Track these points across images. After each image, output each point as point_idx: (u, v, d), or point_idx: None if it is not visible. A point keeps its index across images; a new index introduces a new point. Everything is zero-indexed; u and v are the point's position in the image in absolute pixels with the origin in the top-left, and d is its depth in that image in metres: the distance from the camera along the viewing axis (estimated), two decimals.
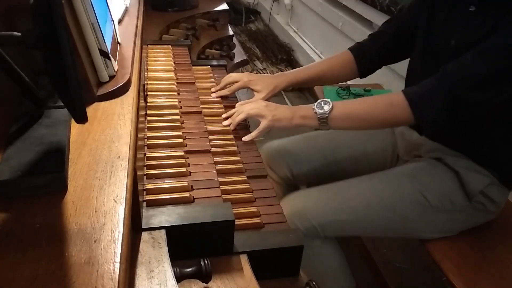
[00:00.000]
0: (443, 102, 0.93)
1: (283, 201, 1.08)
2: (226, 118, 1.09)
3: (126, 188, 0.56)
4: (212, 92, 1.21)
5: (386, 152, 1.26)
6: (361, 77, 1.30)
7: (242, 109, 1.07)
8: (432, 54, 1.09)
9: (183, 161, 0.90)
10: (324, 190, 1.10)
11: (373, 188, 1.08)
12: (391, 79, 1.95)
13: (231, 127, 1.06)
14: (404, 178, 1.09)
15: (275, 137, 1.33)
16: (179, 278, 0.63)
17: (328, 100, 1.02)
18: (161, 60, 1.32)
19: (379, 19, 2.07)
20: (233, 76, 1.22)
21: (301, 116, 1.03)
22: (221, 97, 1.21)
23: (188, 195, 0.80)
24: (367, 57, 1.25)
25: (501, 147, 1.05)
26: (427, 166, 1.11)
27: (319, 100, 1.03)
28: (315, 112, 1.01)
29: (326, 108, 1.01)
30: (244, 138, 1.05)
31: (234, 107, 1.17)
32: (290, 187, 1.28)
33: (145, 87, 1.09)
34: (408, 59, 1.22)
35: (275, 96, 1.22)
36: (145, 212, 0.71)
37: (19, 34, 0.53)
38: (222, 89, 1.22)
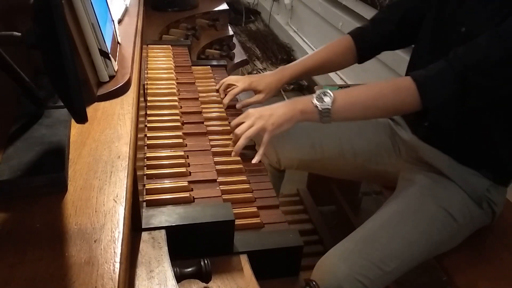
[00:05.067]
0: (453, 84, 0.89)
1: (318, 268, 0.96)
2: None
3: (126, 188, 0.56)
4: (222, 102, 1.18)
5: (375, 148, 1.21)
6: (359, 63, 1.24)
7: (240, 132, 0.97)
8: (441, 42, 1.03)
9: (183, 161, 0.90)
10: (359, 243, 0.96)
11: (411, 226, 0.99)
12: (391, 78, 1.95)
13: (235, 155, 0.97)
14: (426, 199, 1.03)
15: None
16: (179, 278, 0.63)
17: (327, 90, 0.94)
18: (161, 60, 1.32)
19: None
20: (234, 78, 1.21)
21: (301, 111, 0.96)
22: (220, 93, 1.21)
23: (188, 195, 0.80)
24: (367, 42, 1.20)
25: (499, 146, 1.03)
26: (438, 183, 1.06)
27: (317, 92, 0.95)
28: (316, 106, 0.94)
29: (327, 100, 0.93)
30: (253, 161, 0.96)
31: (234, 107, 1.17)
32: (277, 172, 1.24)
33: (145, 87, 1.09)
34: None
35: (274, 96, 1.21)
36: (145, 212, 0.71)
37: (19, 34, 0.54)
38: (224, 90, 1.21)
